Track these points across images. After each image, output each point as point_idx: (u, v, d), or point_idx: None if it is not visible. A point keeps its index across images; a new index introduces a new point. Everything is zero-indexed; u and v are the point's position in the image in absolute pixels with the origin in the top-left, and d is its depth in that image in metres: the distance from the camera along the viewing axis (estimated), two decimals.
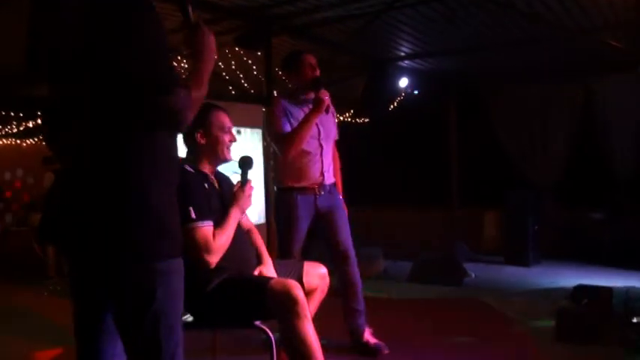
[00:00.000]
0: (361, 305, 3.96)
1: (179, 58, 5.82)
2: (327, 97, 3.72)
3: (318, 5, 5.66)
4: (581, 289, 4.34)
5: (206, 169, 2.94)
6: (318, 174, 3.86)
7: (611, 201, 8.05)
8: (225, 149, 2.95)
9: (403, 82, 8.37)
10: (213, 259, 2.65)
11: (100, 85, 1.72)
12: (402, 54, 7.82)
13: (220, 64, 7.02)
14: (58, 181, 1.97)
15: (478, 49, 7.31)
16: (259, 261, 3.07)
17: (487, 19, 6.15)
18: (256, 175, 5.89)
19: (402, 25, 6.41)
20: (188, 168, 2.85)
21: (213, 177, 2.97)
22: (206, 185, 2.84)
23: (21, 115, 8.59)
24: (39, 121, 8.46)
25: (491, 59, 7.83)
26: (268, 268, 3.04)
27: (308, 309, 2.69)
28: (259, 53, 6.44)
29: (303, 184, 3.85)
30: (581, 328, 4.06)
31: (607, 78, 8.14)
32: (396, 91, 8.66)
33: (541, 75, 8.34)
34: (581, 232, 7.94)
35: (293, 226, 3.84)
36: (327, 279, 3.24)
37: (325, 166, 3.90)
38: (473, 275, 6.92)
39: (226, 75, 7.27)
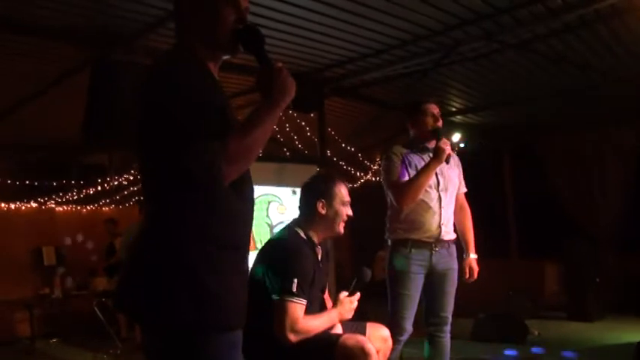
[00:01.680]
0: None
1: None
2: (448, 147, 3.58)
3: (367, 67, 5.79)
4: None
5: (316, 237, 2.91)
6: (435, 226, 3.62)
7: None
8: (342, 223, 2.91)
9: (456, 137, 8.37)
10: (294, 339, 2.61)
11: (140, 148, 1.73)
12: (453, 109, 7.85)
13: (275, 126, 7.16)
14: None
15: (529, 100, 7.28)
16: None
17: (537, 71, 6.15)
18: None
19: (450, 81, 6.48)
20: (300, 232, 2.84)
21: (319, 247, 2.95)
22: (313, 256, 2.84)
23: (81, 182, 8.91)
24: (98, 187, 8.80)
25: (542, 109, 7.77)
26: (337, 328, 3.01)
27: None
28: (312, 115, 6.57)
29: (418, 236, 3.62)
30: None
31: None
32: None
33: (594, 122, 8.21)
34: None
35: (404, 282, 3.60)
36: (390, 341, 3.17)
37: (444, 219, 3.66)
38: (536, 333, 6.70)
39: (281, 137, 7.42)
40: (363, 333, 3.03)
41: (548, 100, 7.22)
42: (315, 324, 2.70)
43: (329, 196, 2.87)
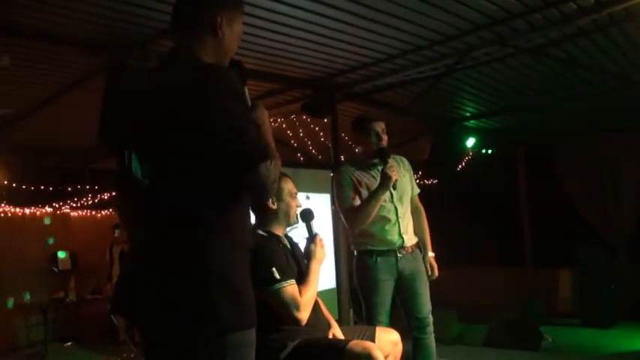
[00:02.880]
0: None
1: None
2: (394, 173, 3.57)
3: (381, 72, 5.78)
4: None
5: (277, 231, 3.03)
6: (396, 237, 3.71)
7: None
8: (294, 214, 3.07)
9: (470, 142, 8.34)
10: (304, 315, 2.69)
11: (180, 153, 1.72)
12: (467, 114, 7.82)
13: (289, 132, 7.19)
14: (129, 253, 1.93)
15: (543, 104, 7.23)
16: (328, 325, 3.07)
17: (551, 75, 6.11)
18: (326, 239, 5.89)
19: (464, 86, 6.45)
20: (261, 232, 2.93)
21: (284, 238, 3.07)
22: (281, 246, 2.95)
23: (95, 187, 8.96)
24: (113, 193, 8.82)
25: (556, 113, 7.71)
26: (338, 332, 3.04)
27: None
28: (325, 120, 6.57)
29: (382, 247, 3.70)
30: None
31: None
32: (464, 151, 8.62)
33: (609, 126, 8.13)
34: None
35: (375, 290, 3.68)
36: (400, 345, 3.18)
37: (403, 227, 3.74)
38: (550, 339, 6.65)
39: (294, 142, 7.43)
40: (373, 337, 3.06)
41: (562, 104, 7.16)
42: (310, 290, 2.80)
43: (277, 192, 3.02)
